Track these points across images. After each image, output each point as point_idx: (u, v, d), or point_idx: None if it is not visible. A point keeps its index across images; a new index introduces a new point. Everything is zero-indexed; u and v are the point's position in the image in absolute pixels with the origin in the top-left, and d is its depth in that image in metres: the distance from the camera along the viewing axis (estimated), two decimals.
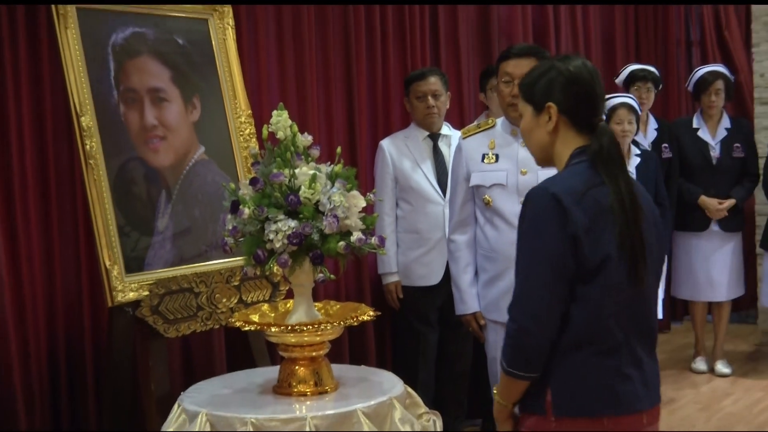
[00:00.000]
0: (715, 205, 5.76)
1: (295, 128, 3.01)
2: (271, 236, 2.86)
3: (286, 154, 2.97)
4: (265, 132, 3.04)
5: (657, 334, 2.44)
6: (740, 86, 7.30)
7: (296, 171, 2.92)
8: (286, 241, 2.85)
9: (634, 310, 2.31)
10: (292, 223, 2.86)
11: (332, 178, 2.96)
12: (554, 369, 2.27)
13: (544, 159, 2.45)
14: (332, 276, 3.04)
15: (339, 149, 3.19)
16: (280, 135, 2.99)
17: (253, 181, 2.96)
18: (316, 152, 3.05)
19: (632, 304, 2.30)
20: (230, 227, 2.97)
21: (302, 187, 2.90)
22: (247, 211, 2.91)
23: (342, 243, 2.88)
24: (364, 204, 2.95)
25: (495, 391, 2.40)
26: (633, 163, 5.36)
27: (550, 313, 2.23)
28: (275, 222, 2.87)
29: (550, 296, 2.22)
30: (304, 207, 2.88)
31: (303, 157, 3.00)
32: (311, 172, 2.92)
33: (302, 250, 2.89)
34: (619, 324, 2.27)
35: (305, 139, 3.03)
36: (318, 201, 2.89)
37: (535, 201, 2.27)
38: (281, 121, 3.00)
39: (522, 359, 2.28)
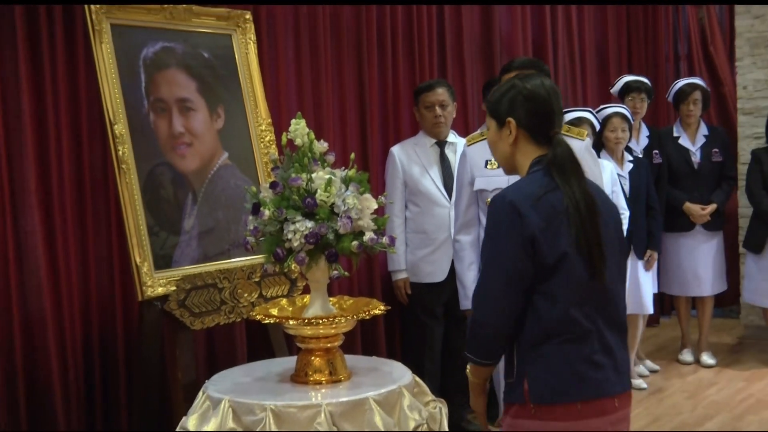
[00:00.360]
0: (699, 211, 5.78)
1: (312, 135, 3.00)
2: (290, 236, 2.86)
3: (304, 160, 2.97)
4: (284, 139, 3.04)
5: (626, 324, 2.47)
6: (724, 98, 7.29)
7: (313, 175, 2.92)
8: (303, 240, 2.84)
9: (600, 301, 2.35)
10: (309, 224, 2.85)
11: (346, 182, 2.96)
12: (529, 360, 2.32)
13: (508, 168, 2.53)
14: (346, 273, 3.04)
15: (353, 155, 3.18)
16: (298, 142, 2.99)
17: (273, 185, 2.95)
18: (331, 158, 3.04)
19: (597, 296, 2.34)
20: (252, 227, 2.97)
21: (318, 191, 2.89)
22: (267, 212, 2.90)
23: (355, 242, 2.87)
24: (375, 206, 2.94)
25: (468, 369, 2.47)
26: (626, 168, 5.36)
27: (503, 309, 2.31)
28: (293, 223, 2.86)
29: (505, 295, 2.30)
30: (320, 209, 2.88)
31: (319, 162, 2.99)
32: (327, 176, 2.91)
33: (318, 248, 2.89)
34: (585, 314, 2.31)
35: (321, 146, 3.02)
36: (333, 203, 2.89)
37: (496, 207, 2.35)
38: (299, 128, 2.99)
39: (479, 348, 2.39)
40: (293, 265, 2.94)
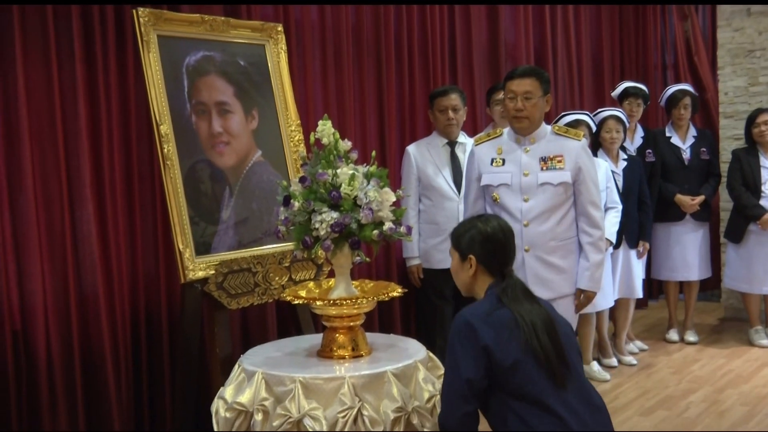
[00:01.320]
0: (689, 202, 5.76)
1: (337, 135, 2.99)
2: (317, 225, 2.85)
3: (330, 157, 2.95)
4: (312, 138, 3.03)
5: (605, 406, 2.53)
6: (707, 103, 7.26)
7: (338, 171, 2.91)
8: (329, 229, 2.83)
9: (574, 392, 2.42)
10: (335, 215, 2.84)
11: (368, 177, 2.94)
12: None
13: (467, 292, 2.71)
14: (367, 258, 3.03)
15: (373, 153, 3.17)
16: (324, 141, 2.97)
17: (302, 180, 2.94)
18: (354, 155, 3.02)
19: (570, 388, 2.42)
20: (283, 218, 2.96)
21: (343, 185, 2.88)
22: (297, 204, 2.89)
23: (376, 231, 2.86)
24: (394, 199, 2.93)
25: None
26: (620, 166, 5.33)
27: (456, 411, 2.45)
28: (320, 213, 2.86)
29: (458, 400, 2.45)
30: (345, 201, 2.86)
31: (343, 159, 2.98)
32: (350, 172, 2.90)
33: (342, 237, 2.88)
34: (563, 403, 2.38)
35: (345, 145, 3.00)
36: (356, 196, 2.88)
37: (455, 325, 2.52)
38: (325, 129, 2.98)
39: None
40: (320, 252, 2.93)
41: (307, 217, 2.90)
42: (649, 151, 5.81)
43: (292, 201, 2.92)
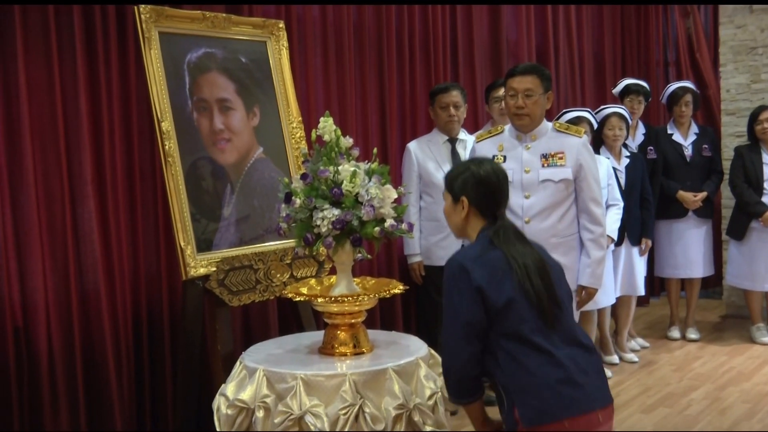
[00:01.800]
0: (691, 198, 5.76)
1: (339, 132, 2.98)
2: (319, 222, 2.84)
3: (331, 154, 2.95)
4: (313, 135, 3.02)
5: (593, 345, 2.53)
6: (709, 100, 7.25)
7: (339, 168, 2.90)
8: (330, 226, 2.83)
9: (563, 332, 2.43)
10: (336, 212, 2.83)
11: (369, 174, 2.93)
12: (513, 391, 2.39)
13: (460, 234, 2.69)
14: (369, 255, 3.02)
15: (375, 150, 3.16)
16: (326, 138, 2.96)
17: (303, 176, 2.93)
18: (356, 152, 3.02)
19: (558, 328, 2.42)
20: (284, 215, 2.95)
21: (344, 182, 2.87)
22: (298, 201, 2.89)
23: (377, 228, 2.86)
24: (395, 196, 2.92)
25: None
26: (623, 163, 5.33)
27: (462, 354, 2.44)
28: (322, 210, 2.85)
29: (462, 343, 2.43)
30: (346, 198, 2.86)
31: (345, 156, 2.97)
32: (352, 169, 2.89)
33: (344, 234, 2.87)
34: (553, 344, 2.39)
35: (347, 142, 3.00)
36: (357, 193, 2.87)
37: (448, 269, 2.51)
38: (327, 126, 2.96)
39: (453, 390, 2.54)
40: (321, 249, 2.93)
41: (308, 214, 2.89)
42: (651, 148, 5.81)
43: (293, 198, 2.91)
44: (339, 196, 2.85)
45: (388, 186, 2.91)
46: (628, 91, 5.78)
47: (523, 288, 2.41)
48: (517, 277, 2.42)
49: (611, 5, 7.16)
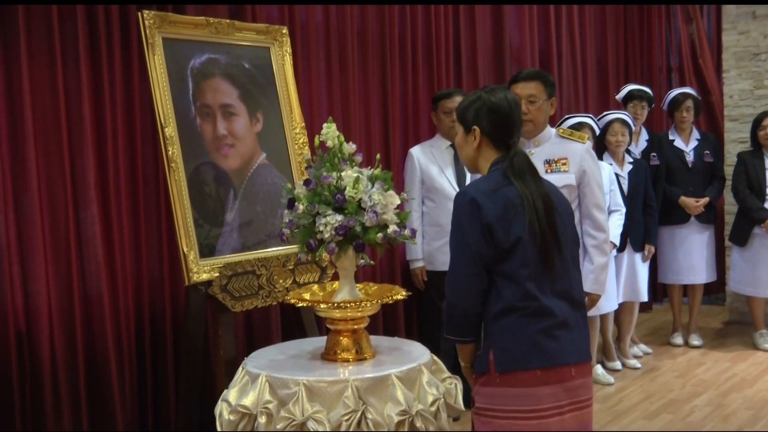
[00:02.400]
0: (693, 204, 5.76)
1: (342, 138, 2.98)
2: (321, 228, 2.85)
3: (334, 160, 2.95)
4: (316, 141, 3.02)
5: (583, 301, 2.51)
6: (712, 106, 7.25)
7: (342, 174, 2.90)
8: (333, 232, 2.83)
9: (556, 281, 2.40)
10: (339, 217, 2.84)
11: (372, 180, 2.93)
12: (493, 333, 2.39)
13: (472, 167, 2.57)
14: (371, 261, 3.02)
15: (378, 156, 3.16)
16: (329, 144, 2.96)
17: (306, 182, 2.94)
18: (359, 158, 3.02)
19: (553, 276, 2.40)
20: (287, 220, 2.95)
21: (347, 188, 2.87)
22: (301, 207, 2.89)
23: (380, 234, 2.86)
24: (398, 202, 2.92)
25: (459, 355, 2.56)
26: (626, 169, 5.33)
27: (470, 289, 2.38)
28: (325, 216, 2.85)
29: (471, 277, 2.37)
30: (349, 204, 2.86)
31: (348, 162, 2.98)
32: (355, 175, 2.89)
33: (347, 240, 2.87)
34: (542, 292, 2.37)
35: (350, 147, 3.00)
36: (360, 199, 2.87)
37: (458, 202, 2.42)
38: (330, 132, 2.97)
39: (454, 327, 2.45)
40: (324, 255, 2.93)
41: (311, 220, 2.89)
42: (654, 154, 5.81)
43: (296, 204, 2.92)
44: (342, 202, 2.86)
45: (391, 192, 2.91)
46: (631, 96, 5.79)
47: (533, 229, 2.35)
48: (528, 217, 2.35)
49: (614, 11, 7.17)
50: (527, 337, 2.35)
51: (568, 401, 2.39)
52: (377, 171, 2.97)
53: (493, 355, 2.37)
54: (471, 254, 2.36)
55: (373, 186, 2.91)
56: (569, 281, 2.45)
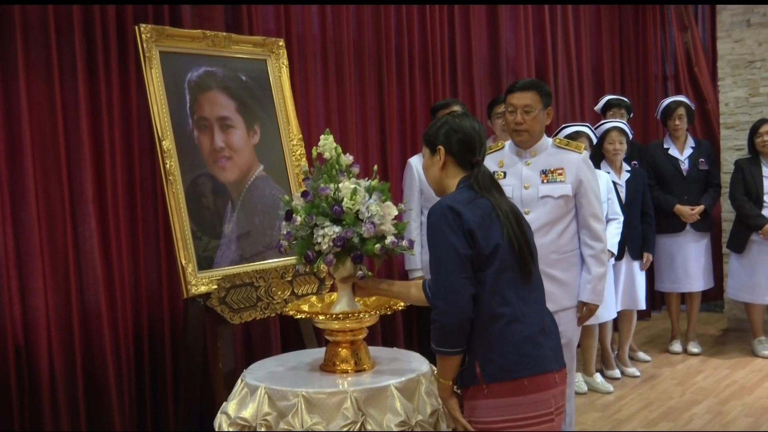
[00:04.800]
0: (689, 212, 5.76)
1: (339, 149, 2.98)
2: (319, 239, 2.83)
3: (332, 171, 2.95)
4: (314, 153, 3.01)
5: (553, 317, 2.58)
6: (708, 114, 7.28)
7: (340, 185, 2.90)
8: (331, 243, 2.82)
9: (533, 289, 2.47)
10: (337, 229, 2.83)
11: (370, 191, 2.93)
12: (477, 345, 2.41)
13: (438, 189, 2.65)
14: (369, 273, 3.02)
15: (375, 167, 3.17)
16: (326, 155, 2.95)
17: (304, 194, 2.93)
18: (356, 170, 3.02)
19: (530, 284, 2.46)
20: (285, 232, 2.95)
21: (345, 199, 2.87)
22: (299, 218, 2.89)
23: (378, 245, 2.85)
24: (395, 213, 2.92)
25: (435, 374, 2.59)
26: (623, 177, 5.34)
27: (460, 294, 2.38)
28: (322, 228, 2.84)
29: (463, 281, 2.38)
30: (347, 215, 2.85)
31: (345, 173, 2.98)
32: (352, 186, 2.89)
33: (345, 251, 2.87)
34: (521, 299, 2.42)
35: (347, 159, 3.01)
36: (358, 210, 2.87)
37: (436, 213, 2.46)
38: (327, 143, 2.96)
39: (446, 338, 2.42)
40: (322, 266, 2.93)
41: (309, 232, 2.89)
42: (635, 162, 5.81)
43: (294, 216, 2.92)
44: (339, 213, 2.85)
45: (389, 203, 2.91)
46: (609, 105, 5.83)
47: (509, 236, 2.42)
48: (503, 226, 2.43)
49: (609, 20, 7.19)
50: (512, 346, 2.38)
51: (555, 407, 2.44)
52: (374, 182, 2.97)
53: (479, 366, 2.39)
54: (459, 258, 2.38)
55: (370, 197, 2.91)
56: (542, 289, 2.54)
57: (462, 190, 2.53)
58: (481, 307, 2.39)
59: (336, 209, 2.85)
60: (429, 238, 2.49)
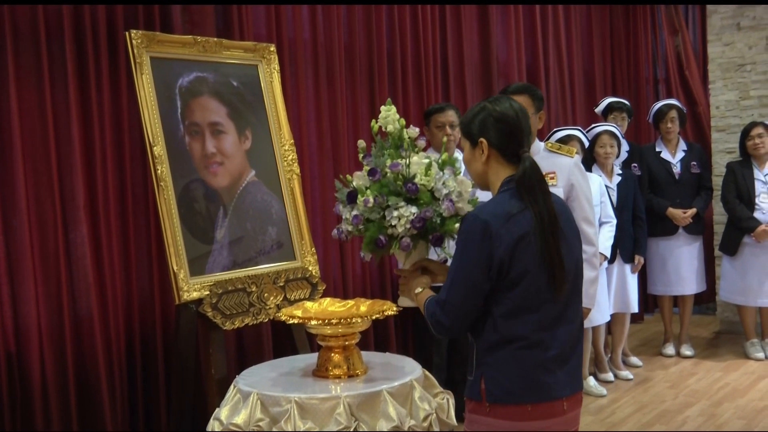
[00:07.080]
0: (681, 215, 5.78)
1: (403, 122, 2.69)
2: (395, 222, 2.53)
3: (399, 146, 2.65)
4: (374, 127, 2.73)
5: (581, 334, 2.41)
6: (699, 117, 7.31)
7: (411, 160, 2.59)
8: (408, 225, 2.51)
9: (556, 313, 2.29)
10: (413, 209, 2.53)
11: (442, 166, 2.66)
12: (486, 362, 2.28)
13: (481, 185, 2.43)
14: (450, 253, 2.56)
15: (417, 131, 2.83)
16: (389, 128, 2.67)
17: (371, 172, 2.62)
18: (422, 143, 2.70)
19: (554, 307, 2.28)
20: (351, 216, 2.62)
21: (417, 175, 2.57)
22: (370, 200, 2.57)
23: (458, 224, 2.49)
24: (470, 188, 2.64)
25: (418, 291, 2.45)
26: (615, 180, 5.36)
27: (466, 319, 2.27)
28: (396, 209, 2.54)
29: (470, 308, 2.25)
30: (422, 193, 2.56)
31: (408, 148, 2.65)
32: (426, 160, 2.60)
33: (420, 233, 2.56)
34: (541, 324, 2.26)
35: (412, 132, 2.68)
36: (433, 187, 2.58)
37: (468, 223, 2.27)
38: (390, 115, 2.68)
39: (438, 332, 2.34)
40: (394, 250, 2.59)
41: (381, 214, 2.57)
42: (635, 165, 5.84)
43: (362, 196, 2.60)
44: (414, 191, 2.55)
45: (462, 178, 2.65)
46: (611, 108, 5.84)
47: (542, 256, 2.23)
48: (539, 245, 2.23)
49: (601, 24, 7.22)
50: (522, 372, 2.26)
51: None
52: (444, 156, 2.70)
53: (484, 384, 2.28)
54: (475, 289, 2.24)
55: (443, 172, 2.64)
56: (574, 307, 2.36)
57: (505, 194, 2.30)
58: (495, 326, 2.26)
59: (410, 187, 2.56)
60: (457, 243, 2.31)
